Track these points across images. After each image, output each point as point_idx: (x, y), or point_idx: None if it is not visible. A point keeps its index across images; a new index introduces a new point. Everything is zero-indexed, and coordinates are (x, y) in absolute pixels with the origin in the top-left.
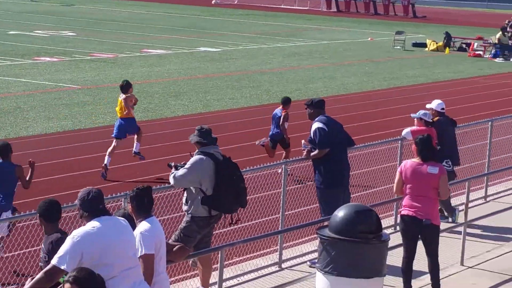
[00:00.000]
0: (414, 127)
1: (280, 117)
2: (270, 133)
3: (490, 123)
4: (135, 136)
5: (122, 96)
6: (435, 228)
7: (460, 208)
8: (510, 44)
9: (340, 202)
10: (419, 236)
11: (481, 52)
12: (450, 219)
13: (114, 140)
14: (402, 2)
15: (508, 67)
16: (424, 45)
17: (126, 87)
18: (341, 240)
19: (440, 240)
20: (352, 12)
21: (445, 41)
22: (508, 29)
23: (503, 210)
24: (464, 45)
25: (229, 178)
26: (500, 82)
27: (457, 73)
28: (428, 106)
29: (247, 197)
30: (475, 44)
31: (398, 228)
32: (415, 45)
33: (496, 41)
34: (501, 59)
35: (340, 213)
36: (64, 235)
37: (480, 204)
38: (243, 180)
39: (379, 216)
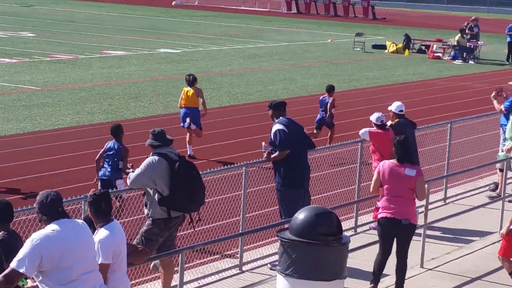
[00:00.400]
0: (372, 128)
1: (328, 102)
2: (318, 117)
3: (449, 125)
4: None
5: (188, 88)
6: (413, 227)
7: (420, 210)
8: (468, 46)
9: (300, 204)
10: (397, 235)
11: (440, 54)
12: None
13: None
14: (362, 4)
15: (466, 69)
16: (383, 47)
17: (193, 80)
18: (302, 243)
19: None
20: (312, 14)
21: (404, 43)
22: (467, 31)
23: (462, 212)
24: (423, 47)
25: (184, 177)
26: (459, 84)
27: (417, 75)
28: (389, 108)
29: (208, 199)
30: (434, 46)
31: (358, 230)
32: (375, 47)
33: (455, 43)
34: (460, 61)
35: (301, 215)
36: (11, 236)
37: (439, 206)
38: (200, 179)
39: (340, 218)
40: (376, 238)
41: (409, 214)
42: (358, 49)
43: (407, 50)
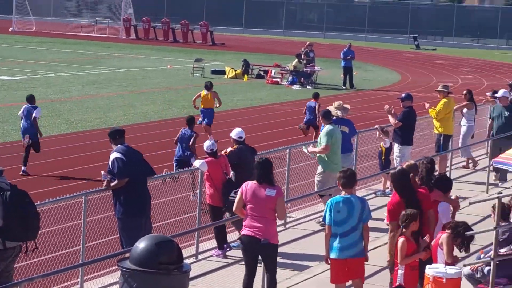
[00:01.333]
0: (209, 158)
1: (315, 106)
2: (306, 119)
3: (288, 150)
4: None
5: (206, 91)
6: (274, 247)
7: None
8: (305, 71)
9: (141, 233)
10: (259, 254)
11: (278, 79)
12: None
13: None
14: (201, 29)
15: (304, 93)
16: (223, 72)
17: (211, 85)
18: (142, 272)
19: (241, 269)
20: (151, 40)
21: (243, 68)
22: (303, 56)
23: (302, 237)
24: (262, 72)
25: (15, 206)
26: (297, 109)
27: (256, 100)
28: (230, 135)
29: (47, 229)
30: (273, 71)
31: (199, 257)
32: (214, 72)
33: (292, 68)
34: (298, 86)
35: (141, 244)
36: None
37: (280, 231)
38: (33, 206)
39: (180, 246)
40: (218, 264)
41: (269, 234)
42: (198, 74)
43: (246, 75)
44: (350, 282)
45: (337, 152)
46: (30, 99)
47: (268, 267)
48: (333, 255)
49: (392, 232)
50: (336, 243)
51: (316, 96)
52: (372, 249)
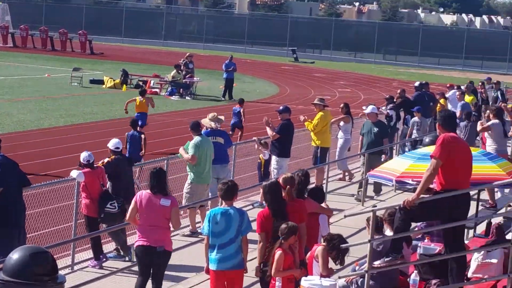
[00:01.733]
0: (85, 169)
1: (239, 111)
2: (232, 122)
3: (166, 161)
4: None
5: (140, 97)
6: (168, 254)
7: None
8: (184, 82)
9: (15, 244)
10: (152, 262)
11: (157, 90)
12: (127, 258)
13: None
14: (80, 38)
15: (183, 104)
16: (101, 82)
17: (145, 92)
18: (16, 283)
19: (117, 280)
20: (29, 48)
21: (122, 78)
22: (182, 67)
23: (178, 248)
24: (141, 83)
25: None
26: (176, 120)
27: (134, 110)
28: (107, 145)
29: None
30: (152, 82)
31: (75, 268)
32: (93, 82)
33: (171, 79)
34: (177, 96)
35: (15, 255)
36: None
37: None
38: None
39: (56, 257)
40: (94, 275)
41: (164, 242)
42: (76, 84)
43: (124, 85)
44: None
45: (204, 164)
46: None
47: (157, 275)
48: (212, 267)
49: (261, 242)
50: (214, 255)
51: (241, 102)
52: (250, 260)
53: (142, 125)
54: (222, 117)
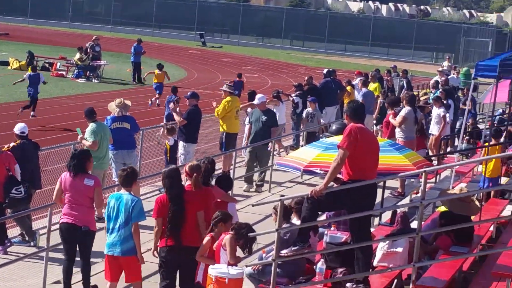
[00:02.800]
0: None
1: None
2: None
3: (72, 145)
4: None
5: (159, 70)
6: (93, 233)
7: (42, 232)
8: (91, 64)
9: None
10: (76, 240)
11: (64, 72)
12: (32, 243)
13: None
14: None
15: (90, 87)
16: (6, 63)
17: (162, 65)
18: None
19: (22, 266)
20: None
21: (28, 60)
22: (89, 50)
23: None
24: (47, 65)
25: None
26: (82, 103)
27: (40, 93)
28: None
29: None
30: (58, 64)
31: None
32: None
33: (78, 62)
34: (84, 79)
35: None
36: None
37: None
38: None
39: None
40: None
41: (88, 221)
42: None
43: (30, 67)
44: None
45: (102, 150)
46: None
47: (84, 253)
48: (105, 250)
49: (156, 227)
50: (108, 239)
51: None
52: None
53: (160, 93)
54: (128, 102)
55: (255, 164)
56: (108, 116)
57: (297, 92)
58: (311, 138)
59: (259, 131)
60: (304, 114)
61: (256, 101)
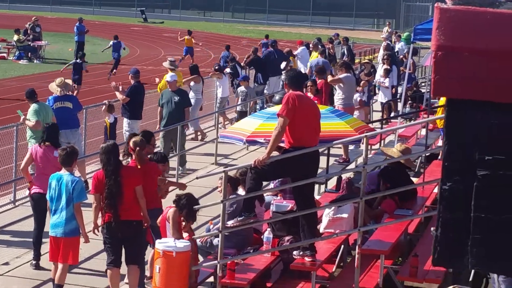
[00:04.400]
0: None
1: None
2: None
3: (15, 127)
4: None
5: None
6: None
7: None
8: (32, 45)
9: None
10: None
11: (5, 54)
12: None
13: None
14: None
15: (32, 68)
16: None
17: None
18: None
19: None
20: None
21: None
22: (29, 31)
23: (31, 216)
24: None
25: None
26: (26, 84)
27: None
28: None
29: None
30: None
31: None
32: None
33: (17, 43)
34: (25, 61)
35: None
36: None
37: (9, 210)
38: None
39: None
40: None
41: None
42: None
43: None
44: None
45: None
46: None
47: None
48: (49, 232)
49: (95, 203)
50: (51, 220)
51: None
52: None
53: (192, 55)
54: (69, 81)
55: (171, 150)
56: (50, 96)
57: (231, 64)
58: (243, 117)
59: (173, 113)
60: (238, 91)
61: (167, 79)
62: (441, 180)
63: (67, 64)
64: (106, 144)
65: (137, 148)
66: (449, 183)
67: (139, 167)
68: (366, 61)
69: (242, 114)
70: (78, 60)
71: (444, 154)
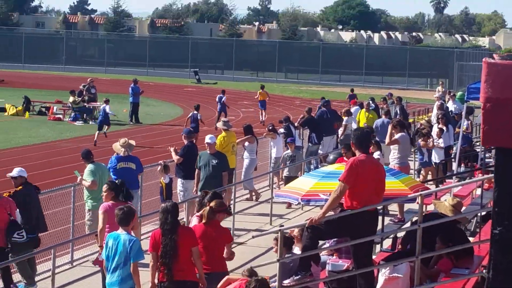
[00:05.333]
0: None
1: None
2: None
3: (72, 188)
4: None
5: (261, 90)
6: None
7: (47, 274)
8: (87, 107)
9: None
10: None
11: (61, 116)
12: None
13: None
14: None
15: (88, 129)
16: (3, 109)
17: (263, 86)
18: None
19: None
20: None
21: (24, 105)
22: (84, 92)
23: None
24: (43, 109)
25: None
26: (81, 145)
27: (38, 137)
28: (8, 175)
29: None
30: (55, 108)
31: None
32: None
33: (73, 105)
34: (81, 122)
35: None
36: None
37: (67, 270)
38: None
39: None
40: None
41: None
42: None
43: (27, 112)
44: None
45: (101, 189)
46: None
47: None
48: None
49: (152, 262)
50: (108, 279)
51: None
52: None
53: (264, 109)
54: (133, 142)
55: None
56: (113, 156)
57: (285, 125)
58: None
59: (210, 177)
60: (283, 156)
61: (207, 140)
62: (491, 224)
63: (187, 117)
64: (165, 203)
65: (212, 210)
66: (499, 227)
67: (207, 228)
68: (424, 121)
69: (288, 180)
70: (195, 112)
71: (494, 200)
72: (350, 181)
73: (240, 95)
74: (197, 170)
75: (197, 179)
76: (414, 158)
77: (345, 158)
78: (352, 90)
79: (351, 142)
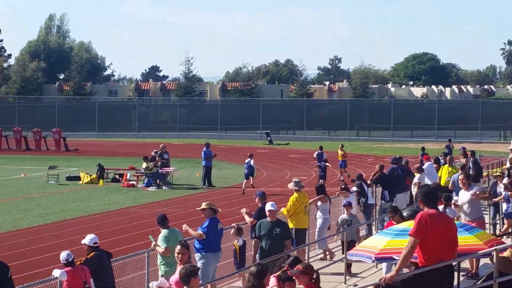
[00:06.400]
0: (67, 268)
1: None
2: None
3: (146, 253)
4: None
5: (340, 150)
6: None
7: None
8: (160, 172)
9: None
10: None
11: (134, 182)
12: None
13: None
14: (54, 136)
15: (161, 195)
16: (78, 178)
17: (342, 145)
18: None
19: None
20: (3, 149)
21: (98, 173)
22: (157, 158)
23: None
24: (117, 176)
25: None
26: (156, 210)
27: (112, 204)
28: (82, 242)
29: None
30: (128, 175)
31: None
32: (69, 178)
33: (146, 171)
34: (154, 187)
35: None
36: None
37: None
38: None
39: None
40: None
41: None
42: (53, 182)
43: (101, 180)
44: None
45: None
46: None
47: None
48: None
49: None
50: None
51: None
52: None
53: (345, 167)
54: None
55: None
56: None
57: (357, 183)
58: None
59: (273, 247)
60: (339, 221)
61: (267, 207)
62: None
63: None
64: (258, 267)
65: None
66: None
67: None
68: (498, 173)
69: (347, 245)
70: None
71: None
72: (420, 235)
73: (312, 155)
74: (254, 239)
75: (255, 250)
76: (489, 211)
77: (393, 222)
78: (423, 149)
79: (418, 199)
